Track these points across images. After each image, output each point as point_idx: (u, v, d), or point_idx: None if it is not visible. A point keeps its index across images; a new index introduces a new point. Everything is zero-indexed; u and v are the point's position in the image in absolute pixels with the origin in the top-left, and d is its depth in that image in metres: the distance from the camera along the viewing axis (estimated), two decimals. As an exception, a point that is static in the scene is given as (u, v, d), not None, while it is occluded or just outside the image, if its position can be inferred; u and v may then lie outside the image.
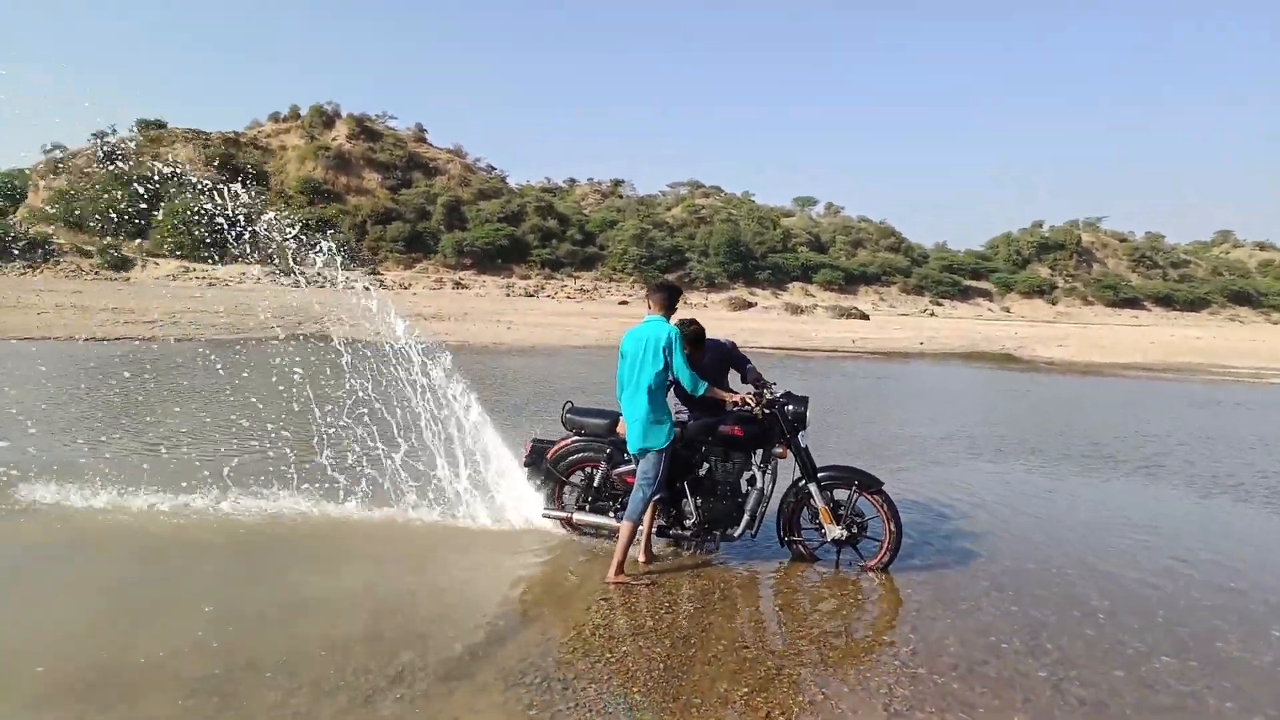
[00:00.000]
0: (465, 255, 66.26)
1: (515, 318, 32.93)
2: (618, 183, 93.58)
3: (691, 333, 5.52)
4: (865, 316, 52.65)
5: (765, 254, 75.82)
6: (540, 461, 5.89)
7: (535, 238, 69.94)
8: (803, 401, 5.42)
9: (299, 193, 68.76)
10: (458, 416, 6.37)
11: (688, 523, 5.51)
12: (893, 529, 5.35)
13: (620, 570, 5.03)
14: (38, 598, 4.56)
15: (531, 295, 59.73)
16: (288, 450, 7.13)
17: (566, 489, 5.91)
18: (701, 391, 5.08)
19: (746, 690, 3.71)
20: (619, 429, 5.54)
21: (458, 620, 4.37)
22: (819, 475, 5.41)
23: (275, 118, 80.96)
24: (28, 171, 70.28)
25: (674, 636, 4.27)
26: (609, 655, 4.02)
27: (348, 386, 6.74)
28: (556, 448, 5.86)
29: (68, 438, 8.35)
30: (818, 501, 5.39)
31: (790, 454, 5.43)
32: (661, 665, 3.92)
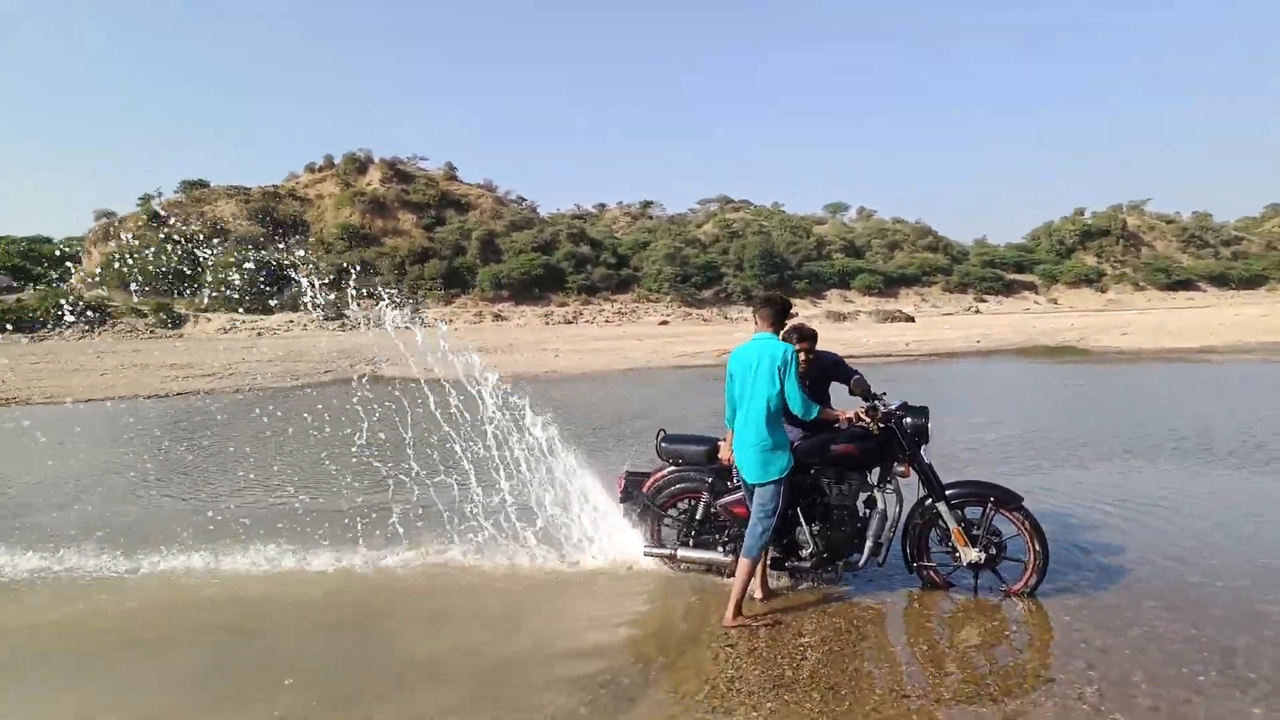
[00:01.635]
0: (502, 287, 66.71)
1: (560, 345, 32.72)
2: (647, 204, 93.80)
3: (809, 333, 5.09)
4: (910, 319, 51.56)
5: (800, 263, 75.18)
6: (636, 495, 5.47)
7: (570, 264, 70.24)
8: (922, 412, 4.93)
9: (338, 239, 70.00)
10: (543, 454, 5.98)
11: (804, 553, 5.03)
12: (1037, 548, 4.81)
13: (739, 611, 4.57)
14: (114, 687, 4.23)
15: (570, 322, 59.74)
16: (357, 498, 6.79)
17: (667, 523, 5.47)
18: (814, 416, 4.62)
19: (925, 752, 3.20)
20: (721, 455, 5.10)
21: (576, 682, 3.94)
22: (947, 492, 4.90)
23: (311, 168, 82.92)
24: (82, 238, 72.54)
25: (821, 687, 3.78)
26: (755, 714, 3.55)
27: (406, 429, 6.38)
28: (653, 480, 5.43)
29: (146, 499, 8.14)
30: (948, 522, 4.88)
31: (913, 471, 4.93)
32: (818, 726, 3.44)
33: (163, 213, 69.38)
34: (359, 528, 6.37)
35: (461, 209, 78.75)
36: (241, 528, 6.62)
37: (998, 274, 79.30)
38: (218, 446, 11.25)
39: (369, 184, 78.16)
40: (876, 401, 4.95)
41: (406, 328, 6.47)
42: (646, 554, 5.36)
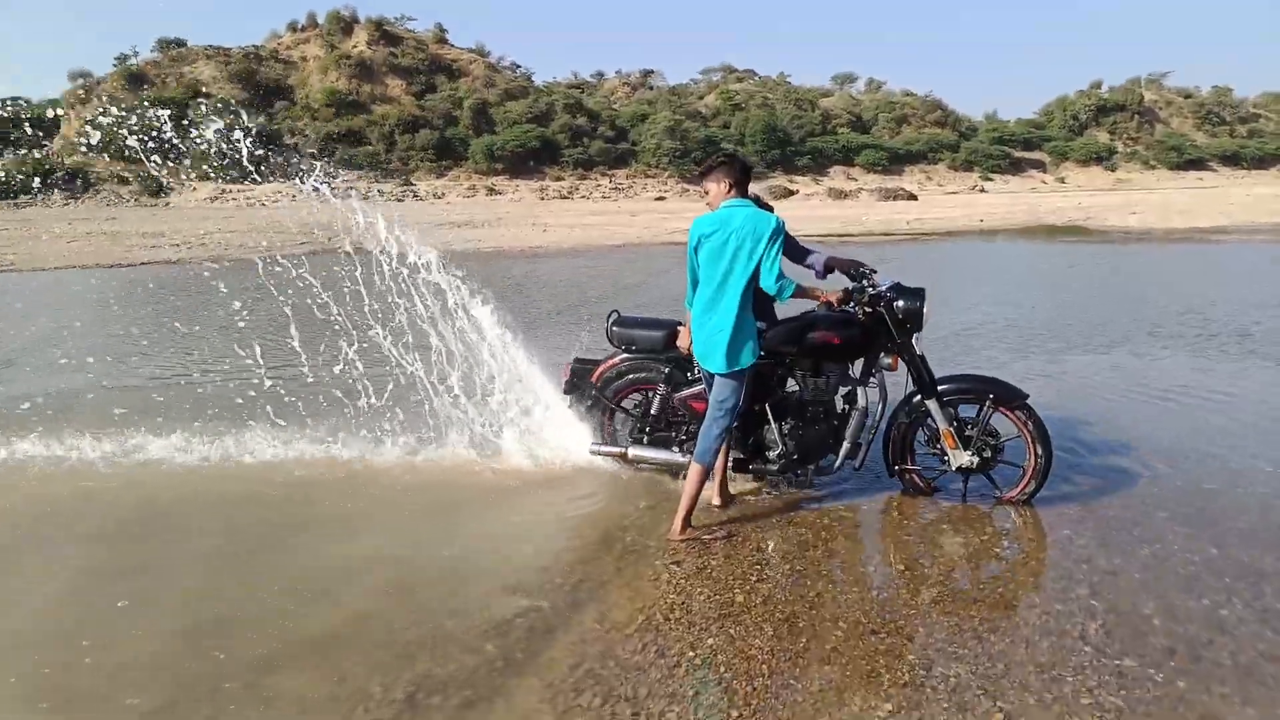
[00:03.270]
0: (496, 160, 64.38)
1: (550, 219, 31.55)
2: (647, 73, 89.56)
3: (765, 205, 4.28)
4: (913, 197, 49.91)
5: (804, 138, 72.39)
6: (584, 386, 4.80)
7: (566, 137, 67.58)
8: (916, 295, 4.17)
9: (325, 105, 66.99)
10: (482, 335, 5.25)
11: (772, 454, 4.39)
12: (1039, 452, 4.17)
13: (688, 523, 3.97)
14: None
15: (566, 197, 57.93)
16: (278, 386, 6.11)
17: (618, 418, 4.82)
18: (789, 296, 3.86)
19: (890, 709, 2.64)
20: (679, 342, 4.38)
21: (490, 606, 3.36)
22: (940, 388, 4.22)
23: (294, 27, 78.59)
24: (59, 102, 69.39)
25: (774, 618, 3.21)
26: (691, 654, 2.98)
27: (337, 310, 5.64)
28: (602, 368, 4.75)
29: (67, 374, 7.49)
30: (938, 421, 4.22)
31: (901, 364, 4.22)
32: (765, 668, 2.86)
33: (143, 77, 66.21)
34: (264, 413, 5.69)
35: (453, 75, 75.04)
36: (160, 410, 5.97)
37: (1006, 151, 76.43)
38: (157, 320, 10.54)
39: (355, 46, 74.05)
40: (864, 282, 4.19)
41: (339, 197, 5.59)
42: (594, 452, 4.74)
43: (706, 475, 4.00)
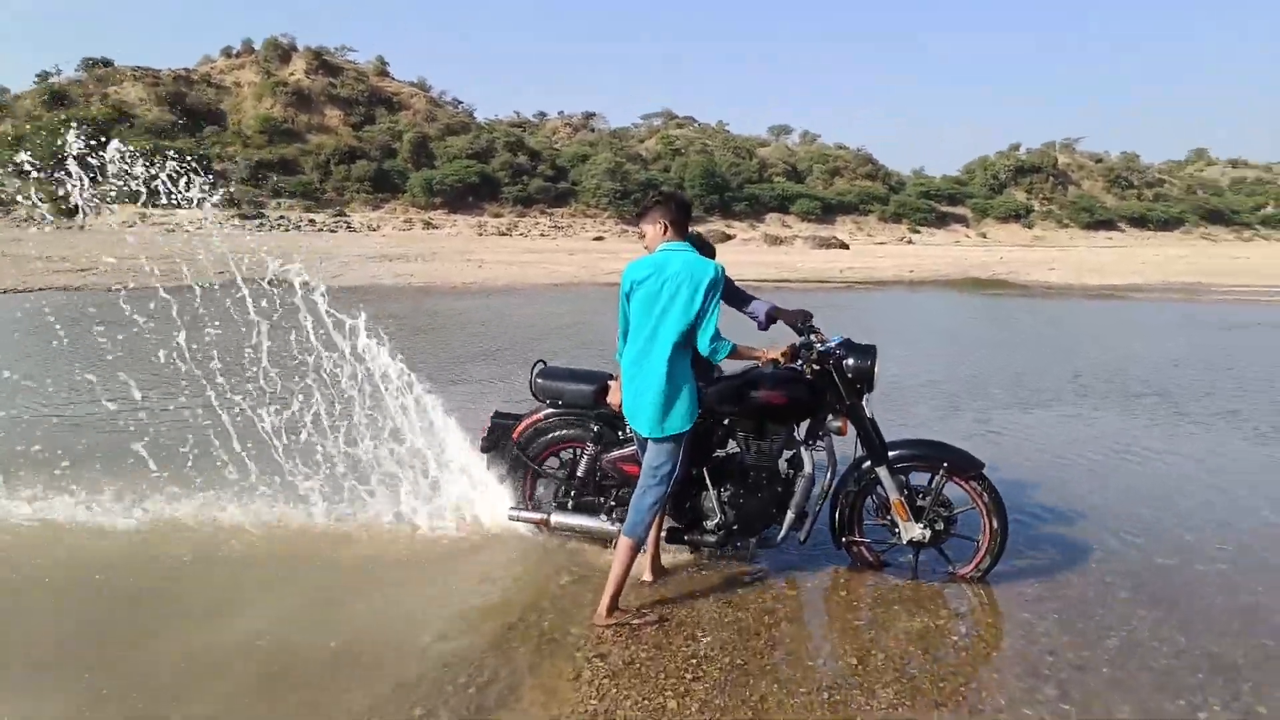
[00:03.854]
0: (435, 194, 63.52)
1: (487, 256, 31.03)
2: (589, 115, 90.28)
3: (708, 246, 3.93)
4: (845, 246, 51.09)
5: (742, 184, 73.63)
6: (504, 444, 4.33)
7: (506, 174, 67.27)
8: (867, 353, 3.86)
9: (258, 132, 65.33)
10: (389, 384, 4.74)
11: (710, 524, 3.99)
12: (995, 526, 3.87)
13: (615, 606, 3.52)
14: None
15: (505, 234, 57.42)
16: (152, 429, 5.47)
17: (541, 481, 4.35)
18: (724, 355, 3.50)
19: None
20: (610, 398, 3.96)
21: (379, 708, 2.84)
22: (890, 454, 3.89)
23: (228, 53, 76.92)
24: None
25: (712, 727, 2.77)
26: (615, 776, 2.51)
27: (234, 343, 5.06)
28: (525, 424, 4.30)
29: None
30: (889, 490, 3.89)
31: (850, 428, 3.88)
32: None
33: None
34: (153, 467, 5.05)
35: (393, 108, 74.31)
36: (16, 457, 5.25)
37: (932, 206, 79.05)
38: (38, 350, 9.64)
39: (292, 74, 72.76)
40: (812, 336, 3.86)
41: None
42: (513, 518, 4.26)
43: (638, 550, 3.57)
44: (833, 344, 3.88)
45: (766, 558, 4.18)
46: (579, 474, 4.18)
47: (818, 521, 3.94)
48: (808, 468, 3.90)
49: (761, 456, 3.94)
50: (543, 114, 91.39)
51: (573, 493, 4.21)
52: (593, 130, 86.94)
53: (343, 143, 66.78)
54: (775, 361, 3.68)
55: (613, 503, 4.13)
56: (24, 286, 16.79)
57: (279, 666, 3.17)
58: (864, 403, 3.86)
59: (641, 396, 3.49)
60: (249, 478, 4.78)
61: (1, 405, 7.04)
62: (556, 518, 4.15)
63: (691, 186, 69.57)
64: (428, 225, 58.94)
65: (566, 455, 4.33)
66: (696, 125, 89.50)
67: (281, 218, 55.01)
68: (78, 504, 4.67)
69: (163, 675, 3.09)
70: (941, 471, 3.87)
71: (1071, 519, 4.87)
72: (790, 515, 3.89)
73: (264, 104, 69.12)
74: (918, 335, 13.59)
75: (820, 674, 3.17)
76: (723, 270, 3.51)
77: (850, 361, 3.82)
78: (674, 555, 4.18)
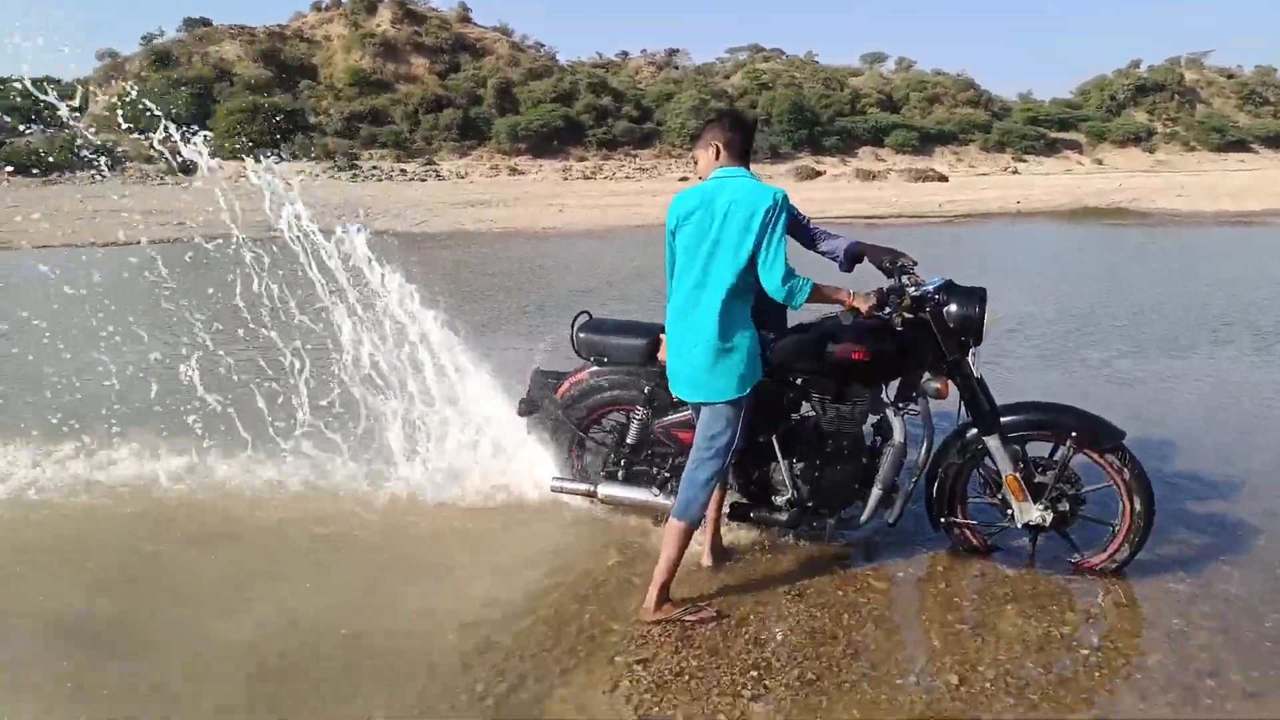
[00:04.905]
0: (520, 140, 63.44)
1: (570, 200, 30.51)
2: (672, 52, 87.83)
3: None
4: (944, 178, 48.25)
5: (832, 118, 70.52)
6: (547, 405, 3.82)
7: (590, 117, 66.46)
8: (973, 298, 3.15)
9: (349, 85, 66.37)
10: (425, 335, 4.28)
11: (780, 500, 3.41)
12: (1136, 509, 3.15)
13: (664, 598, 3.00)
14: None
15: (590, 177, 56.86)
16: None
17: (588, 448, 3.84)
18: (805, 296, 2.86)
19: None
20: (662, 354, 3.38)
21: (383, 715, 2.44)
22: (1004, 419, 3.19)
23: (317, 7, 77.93)
24: (88, 80, 69.37)
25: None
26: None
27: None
28: (567, 384, 3.78)
29: None
30: (1001, 464, 3.20)
31: (952, 389, 3.19)
32: None
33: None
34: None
35: (476, 54, 74.12)
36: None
37: (1040, 132, 73.76)
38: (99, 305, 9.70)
39: (379, 25, 73.32)
40: (904, 278, 3.16)
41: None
42: (556, 489, 3.77)
43: (690, 534, 3.03)
44: (930, 287, 3.18)
45: (849, 541, 3.56)
46: (629, 441, 3.65)
47: (911, 499, 3.30)
48: (898, 436, 3.25)
49: (841, 422, 3.31)
50: (625, 53, 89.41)
51: (622, 461, 3.69)
52: (676, 68, 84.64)
53: (429, 91, 67.25)
54: (855, 311, 3.00)
55: (667, 473, 3.60)
56: (129, 240, 17.30)
57: (289, 653, 2.86)
58: (969, 358, 3.16)
59: (689, 355, 2.92)
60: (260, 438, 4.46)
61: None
62: (604, 489, 3.65)
63: (779, 122, 67.15)
64: (513, 171, 58.99)
65: (618, 418, 3.79)
66: (784, 58, 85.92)
67: (374, 168, 56.14)
68: (129, 461, 4.44)
69: (180, 658, 2.83)
70: (1069, 442, 3.15)
71: (1227, 494, 4.07)
72: (876, 491, 3.27)
73: (353, 56, 70.08)
74: (1027, 271, 12.40)
75: (912, 695, 2.59)
76: (785, 197, 2.86)
77: (952, 308, 3.13)
78: (738, 533, 3.62)
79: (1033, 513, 3.21)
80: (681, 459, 3.51)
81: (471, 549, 3.63)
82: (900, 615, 3.10)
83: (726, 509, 3.47)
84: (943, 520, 3.41)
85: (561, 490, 3.77)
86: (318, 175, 53.22)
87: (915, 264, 3.31)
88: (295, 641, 2.92)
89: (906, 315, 3.15)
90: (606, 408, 3.76)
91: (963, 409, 3.25)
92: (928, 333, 3.17)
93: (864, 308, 3.04)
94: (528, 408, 3.87)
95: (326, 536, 3.73)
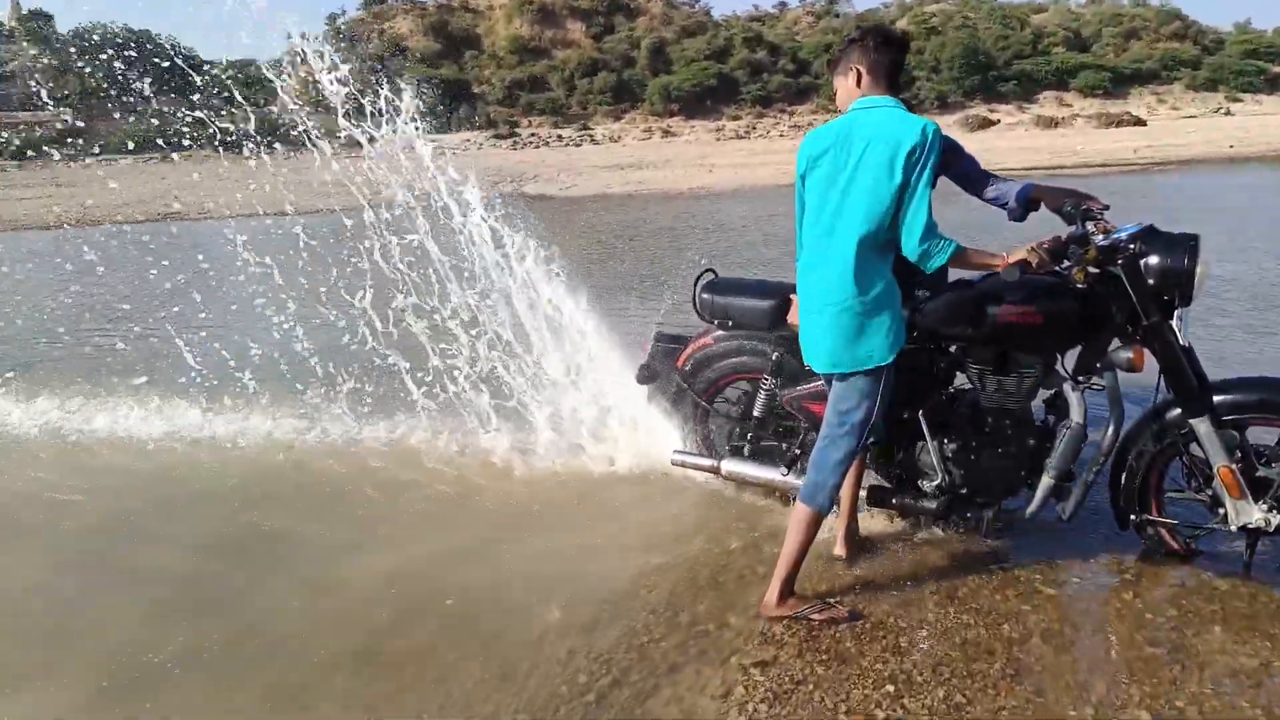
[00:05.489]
0: (673, 100, 63.05)
1: (720, 160, 29.92)
2: (833, 1, 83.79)
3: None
4: (1141, 122, 43.47)
5: (1009, 61, 65.04)
6: (665, 372, 3.54)
7: (744, 73, 64.94)
8: (1181, 248, 2.55)
9: (509, 53, 68.30)
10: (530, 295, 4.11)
11: (928, 485, 2.96)
12: (1395, 513, 2.46)
13: (788, 592, 2.65)
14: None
15: (743, 136, 55.62)
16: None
17: (714, 418, 3.53)
18: (942, 260, 2.41)
19: None
20: (791, 317, 2.99)
21: (474, 705, 2.28)
22: (1217, 399, 2.59)
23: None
24: (279, 62, 75.45)
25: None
26: None
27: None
28: (689, 350, 3.46)
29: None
30: (1211, 453, 2.60)
31: (1149, 360, 2.62)
32: None
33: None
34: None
35: (631, 15, 74.00)
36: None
37: (1261, 67, 64.66)
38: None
39: (536, -9, 74.70)
40: (1089, 225, 2.61)
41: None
42: (677, 463, 3.48)
43: (819, 521, 2.65)
44: (1123, 234, 2.60)
45: (1012, 537, 3.06)
46: (755, 413, 3.30)
47: (1091, 491, 2.76)
48: (1076, 415, 2.72)
49: (1005, 397, 2.81)
50: (783, 4, 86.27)
51: (749, 435, 3.35)
52: (837, 16, 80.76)
53: (585, 55, 68.01)
54: (1023, 264, 2.49)
55: (797, 450, 3.21)
56: (302, 209, 18.49)
57: (398, 615, 2.79)
58: (1175, 323, 2.57)
59: (818, 316, 2.53)
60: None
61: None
62: (728, 465, 3.33)
63: (949, 68, 62.87)
64: (666, 133, 58.76)
65: (745, 387, 3.45)
66: (956, -2, 79.91)
67: (533, 134, 57.72)
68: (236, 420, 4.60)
69: (277, 624, 2.80)
70: (1302, 426, 2.50)
71: None
72: (1047, 480, 2.76)
73: (513, 24, 71.88)
74: (1240, 224, 10.76)
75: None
76: (936, 131, 2.39)
77: (1153, 260, 2.55)
78: (878, 521, 3.20)
79: (1253, 513, 2.58)
80: (814, 435, 3.12)
81: (586, 523, 3.41)
82: (1075, 631, 2.59)
83: (864, 492, 3.06)
84: (1133, 518, 2.84)
85: (683, 464, 3.47)
86: (480, 144, 55.51)
87: (1106, 208, 2.74)
88: (404, 604, 2.84)
89: (1092, 270, 2.60)
90: (731, 376, 3.42)
91: (1162, 384, 2.67)
92: (1118, 290, 2.60)
93: (1034, 259, 2.51)
94: (647, 375, 3.59)
95: (443, 497, 3.66)
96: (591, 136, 58.14)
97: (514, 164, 30.92)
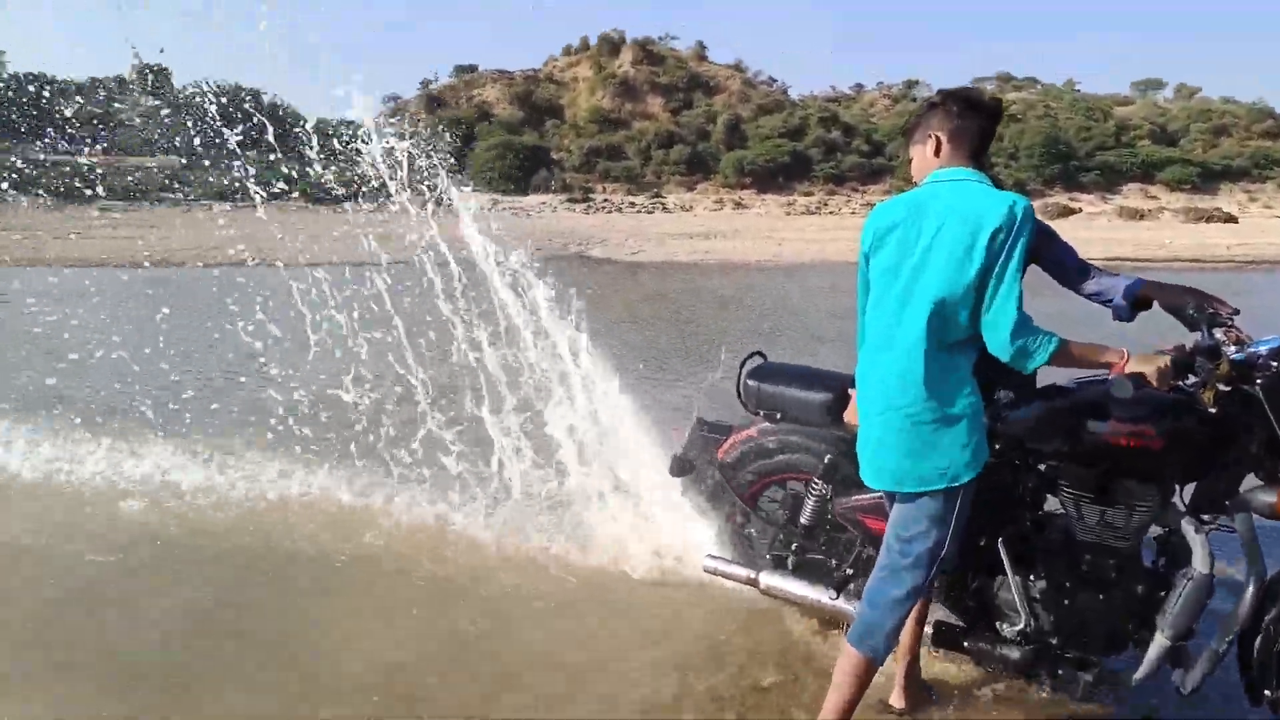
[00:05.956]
0: (745, 174, 63.82)
1: (790, 233, 29.68)
2: (911, 84, 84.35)
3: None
4: (1233, 219, 41.83)
5: (1092, 152, 63.97)
6: (702, 464, 3.12)
7: (818, 152, 65.44)
8: None
9: (589, 122, 70.41)
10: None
11: (1009, 629, 2.45)
12: None
13: (840, 754, 2.16)
14: None
15: (814, 212, 55.66)
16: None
17: (754, 521, 3.09)
18: (1043, 359, 1.99)
19: None
20: (848, 415, 2.55)
21: None
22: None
23: (568, 50, 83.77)
24: (372, 121, 79.57)
25: None
26: None
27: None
28: (730, 442, 3.04)
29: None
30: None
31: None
32: None
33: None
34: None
35: (709, 91, 75.84)
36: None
37: (1363, 167, 62.09)
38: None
39: (620, 66, 77.24)
40: (1218, 334, 2.14)
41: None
42: (710, 569, 3.03)
43: (873, 670, 2.17)
44: (1262, 348, 2.13)
45: (1114, 703, 2.50)
46: (803, 521, 2.84)
47: (1222, 661, 2.23)
48: (1200, 563, 2.20)
49: (1108, 532, 2.31)
50: (860, 86, 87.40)
51: (794, 545, 2.90)
52: (914, 100, 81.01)
53: (662, 128, 69.57)
54: (1137, 376, 2.03)
55: (849, 569, 2.73)
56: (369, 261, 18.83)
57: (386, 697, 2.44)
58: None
59: (879, 421, 2.09)
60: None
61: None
62: (768, 578, 2.87)
63: (1028, 155, 62.07)
64: (737, 205, 59.29)
65: (793, 488, 3.01)
66: (1038, 87, 79.62)
67: (606, 200, 58.96)
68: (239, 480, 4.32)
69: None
70: None
71: None
72: (1162, 640, 2.23)
73: (595, 96, 74.32)
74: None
75: None
76: (1028, 210, 1.98)
77: (1298, 380, 2.06)
78: (944, 665, 2.69)
79: None
80: (870, 551, 2.66)
81: (599, 631, 2.98)
82: None
83: (929, 629, 2.57)
84: (1267, 693, 2.29)
85: (715, 572, 3.02)
86: (555, 207, 56.87)
87: (1236, 313, 2.27)
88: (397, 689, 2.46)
89: (1222, 387, 2.13)
90: (777, 475, 2.98)
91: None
92: (1255, 414, 2.12)
93: (1153, 373, 2.05)
94: (682, 467, 3.18)
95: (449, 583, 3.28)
96: (664, 204, 59.10)
97: (585, 227, 31.34)
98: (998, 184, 2.18)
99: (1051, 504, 2.47)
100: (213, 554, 3.53)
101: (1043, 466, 2.40)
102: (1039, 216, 2.18)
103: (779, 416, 2.87)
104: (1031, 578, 2.43)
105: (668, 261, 19.45)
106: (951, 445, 2.05)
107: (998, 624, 2.49)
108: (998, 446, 2.35)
